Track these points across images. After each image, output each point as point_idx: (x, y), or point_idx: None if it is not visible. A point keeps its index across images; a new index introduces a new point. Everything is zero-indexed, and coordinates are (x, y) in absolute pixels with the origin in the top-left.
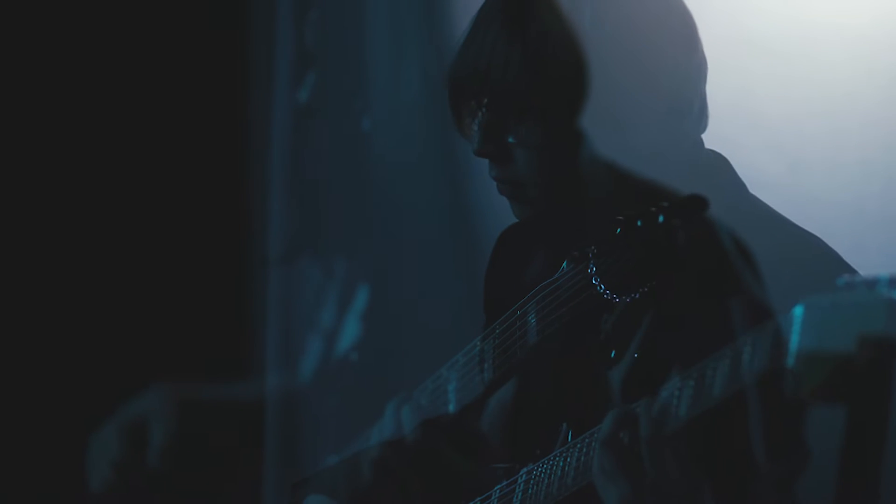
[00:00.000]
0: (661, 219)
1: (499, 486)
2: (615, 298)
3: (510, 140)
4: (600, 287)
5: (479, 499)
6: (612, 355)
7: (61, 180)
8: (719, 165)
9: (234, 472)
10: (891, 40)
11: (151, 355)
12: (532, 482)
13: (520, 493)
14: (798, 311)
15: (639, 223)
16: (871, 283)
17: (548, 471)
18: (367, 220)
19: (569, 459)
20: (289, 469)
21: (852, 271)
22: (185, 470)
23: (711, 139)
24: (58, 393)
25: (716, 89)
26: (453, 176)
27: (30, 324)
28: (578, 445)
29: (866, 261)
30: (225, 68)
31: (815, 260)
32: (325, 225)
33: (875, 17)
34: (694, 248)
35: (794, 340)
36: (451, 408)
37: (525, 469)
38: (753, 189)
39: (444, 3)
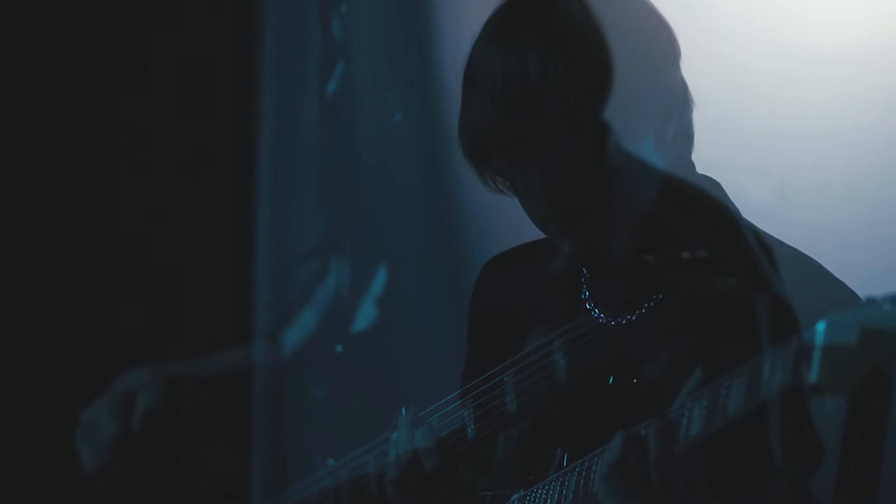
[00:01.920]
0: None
1: None
2: (611, 322)
3: (567, 168)
4: (594, 312)
5: None
6: (611, 381)
7: (77, 165)
8: (713, 191)
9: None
10: (875, 63)
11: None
12: None
13: None
14: (820, 327)
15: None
16: (894, 300)
17: (544, 496)
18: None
19: (566, 483)
20: (276, 449)
21: (854, 295)
22: (173, 445)
23: (698, 162)
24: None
25: (702, 112)
26: (452, 186)
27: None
28: (577, 469)
29: (852, 283)
30: (245, 59)
31: (812, 282)
32: (349, 217)
33: (860, 40)
34: (722, 247)
35: (818, 357)
36: (470, 432)
37: (517, 495)
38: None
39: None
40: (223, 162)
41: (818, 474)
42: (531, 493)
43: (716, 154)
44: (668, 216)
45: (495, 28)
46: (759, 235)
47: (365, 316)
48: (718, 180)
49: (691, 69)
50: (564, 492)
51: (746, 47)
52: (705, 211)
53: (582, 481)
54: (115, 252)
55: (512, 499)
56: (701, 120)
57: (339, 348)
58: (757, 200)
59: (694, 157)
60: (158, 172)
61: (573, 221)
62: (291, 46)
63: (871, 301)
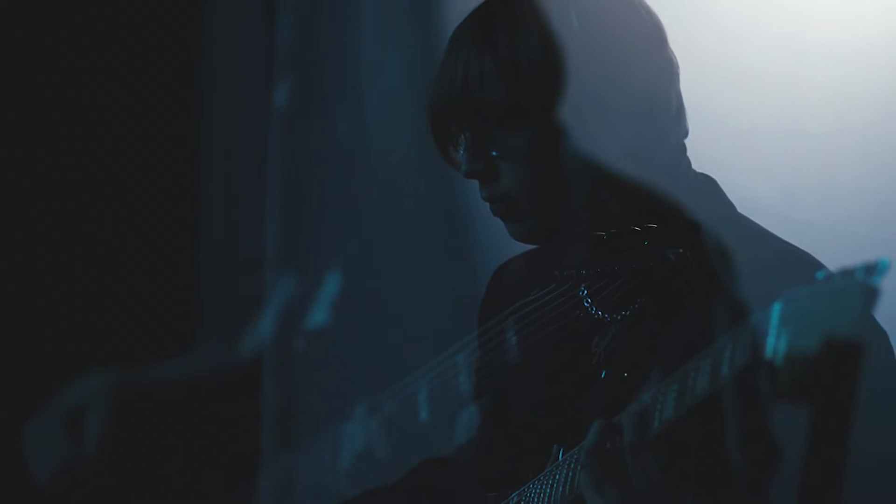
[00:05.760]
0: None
1: None
2: (607, 318)
3: (495, 154)
4: (592, 308)
5: None
6: (603, 375)
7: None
8: (708, 187)
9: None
10: (883, 64)
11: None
12: (524, 503)
13: None
14: (777, 306)
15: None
16: (849, 273)
17: (538, 490)
18: (352, 217)
19: (558, 476)
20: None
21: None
22: (125, 457)
23: (704, 163)
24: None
25: (709, 113)
26: (441, 180)
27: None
28: (567, 461)
29: None
30: (186, 68)
31: (803, 274)
32: (307, 224)
33: (867, 39)
34: (684, 255)
35: (773, 333)
36: (423, 416)
37: (516, 493)
38: (747, 213)
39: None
40: (167, 169)
41: (779, 481)
42: (528, 489)
43: (721, 154)
44: (619, 214)
45: (466, 24)
46: (719, 241)
47: (320, 316)
48: (722, 179)
49: (696, 70)
50: (556, 485)
51: (752, 47)
52: (658, 213)
53: (570, 473)
54: (60, 259)
55: (511, 496)
56: (706, 121)
57: (300, 346)
58: (762, 201)
59: (698, 157)
60: (101, 178)
61: (509, 205)
62: (237, 54)
63: (826, 277)
